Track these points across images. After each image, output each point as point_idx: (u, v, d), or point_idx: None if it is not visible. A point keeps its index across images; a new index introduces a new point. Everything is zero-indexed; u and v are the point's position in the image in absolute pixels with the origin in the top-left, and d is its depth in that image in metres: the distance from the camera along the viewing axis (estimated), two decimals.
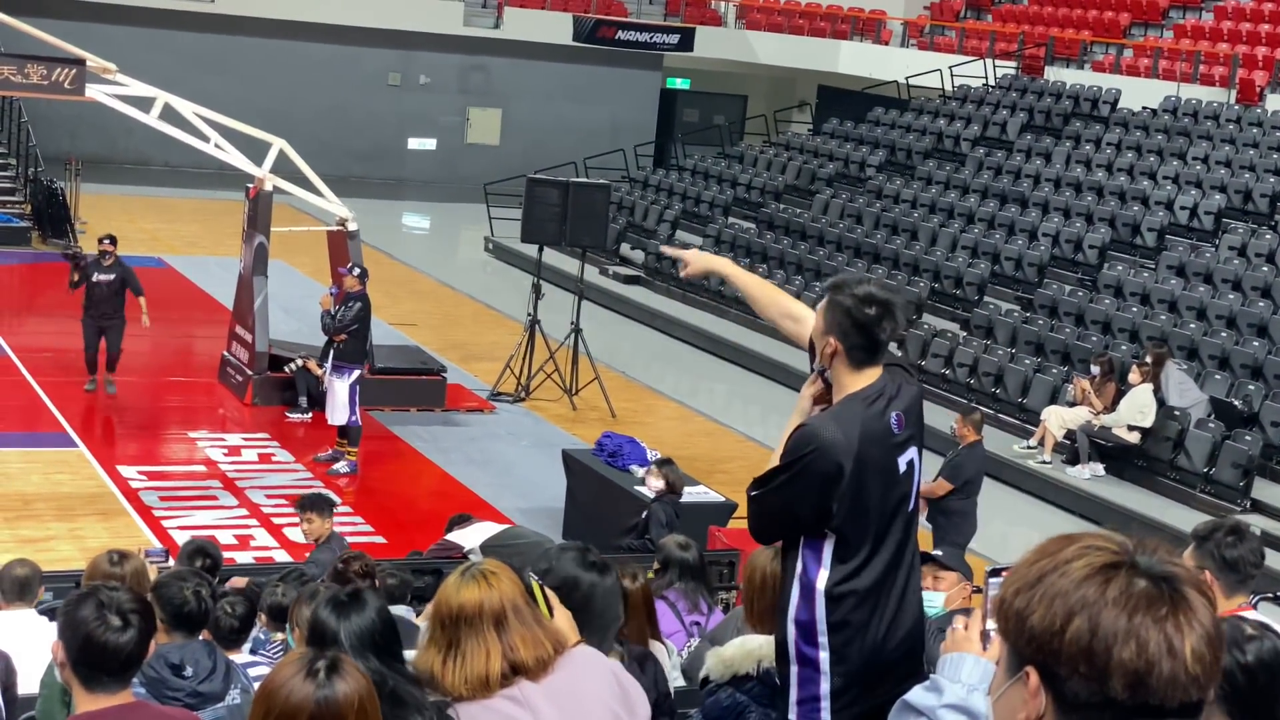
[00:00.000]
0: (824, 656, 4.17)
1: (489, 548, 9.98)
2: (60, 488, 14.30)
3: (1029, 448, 17.19)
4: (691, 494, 12.82)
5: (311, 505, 10.49)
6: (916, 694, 3.23)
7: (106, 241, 17.13)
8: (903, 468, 4.23)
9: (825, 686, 4.17)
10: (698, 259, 5.02)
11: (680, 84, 38.96)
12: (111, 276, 16.94)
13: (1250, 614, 4.44)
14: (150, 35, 31.89)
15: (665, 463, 12.47)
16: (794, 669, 4.22)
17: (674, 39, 36.29)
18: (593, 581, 4.03)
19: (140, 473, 14.81)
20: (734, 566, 10.42)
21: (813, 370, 4.35)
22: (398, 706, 3.52)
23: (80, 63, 17.63)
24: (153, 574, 6.54)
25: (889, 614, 4.21)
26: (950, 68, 30.63)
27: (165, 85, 18.41)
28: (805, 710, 4.21)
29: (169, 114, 17.67)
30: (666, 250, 5.95)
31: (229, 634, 6.45)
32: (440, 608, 3.64)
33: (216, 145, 17.82)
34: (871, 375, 4.23)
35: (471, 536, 10.53)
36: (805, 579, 4.17)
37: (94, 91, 17.64)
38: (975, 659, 3.14)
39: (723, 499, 13.27)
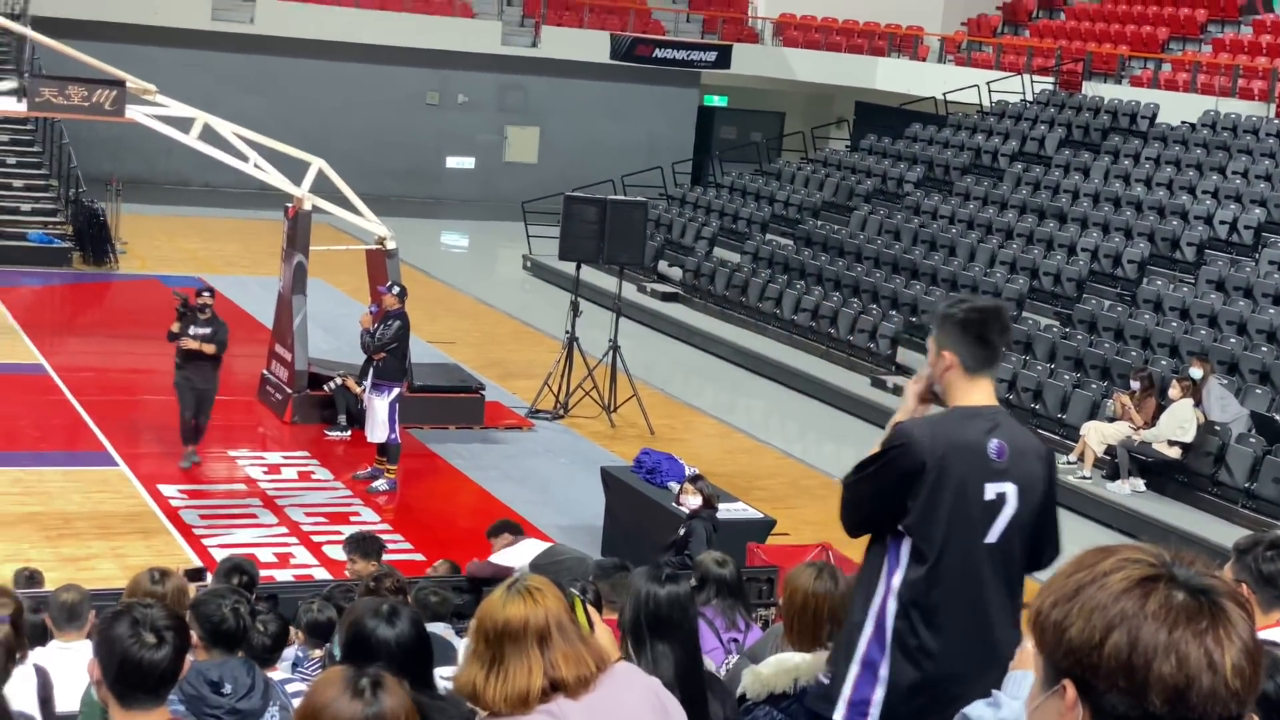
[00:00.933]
0: (885, 663, 4.18)
1: (533, 565, 9.97)
2: (101, 506, 14.39)
3: (1069, 463, 17.10)
4: (730, 510, 12.80)
5: (355, 547, 10.47)
6: (976, 708, 3.24)
7: (206, 294, 15.61)
8: (989, 495, 4.22)
9: (879, 693, 4.18)
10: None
11: (718, 101, 38.99)
12: (208, 331, 15.38)
13: (1274, 632, 4.39)
14: (189, 56, 32.13)
15: (698, 478, 12.46)
16: (854, 668, 4.23)
17: (711, 56, 36.32)
18: (670, 593, 4.10)
19: (181, 491, 14.89)
20: (772, 583, 10.40)
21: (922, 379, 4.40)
22: None
23: (120, 84, 17.78)
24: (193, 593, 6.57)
25: (958, 643, 4.19)
26: (988, 83, 30.57)
27: (205, 106, 18.54)
28: (853, 712, 4.21)
29: (208, 134, 17.80)
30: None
31: (262, 651, 6.47)
32: (484, 623, 3.64)
33: (256, 165, 17.93)
34: (983, 391, 4.30)
35: (515, 556, 10.53)
36: (885, 579, 4.21)
37: (134, 112, 17.79)
38: None
39: (761, 515, 13.25)
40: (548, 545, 11.13)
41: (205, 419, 15.61)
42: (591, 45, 35.66)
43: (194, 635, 5.20)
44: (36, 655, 6.72)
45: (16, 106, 18.52)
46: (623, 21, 36.58)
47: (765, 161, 33.38)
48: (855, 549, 12.97)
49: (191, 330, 15.29)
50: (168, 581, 6.55)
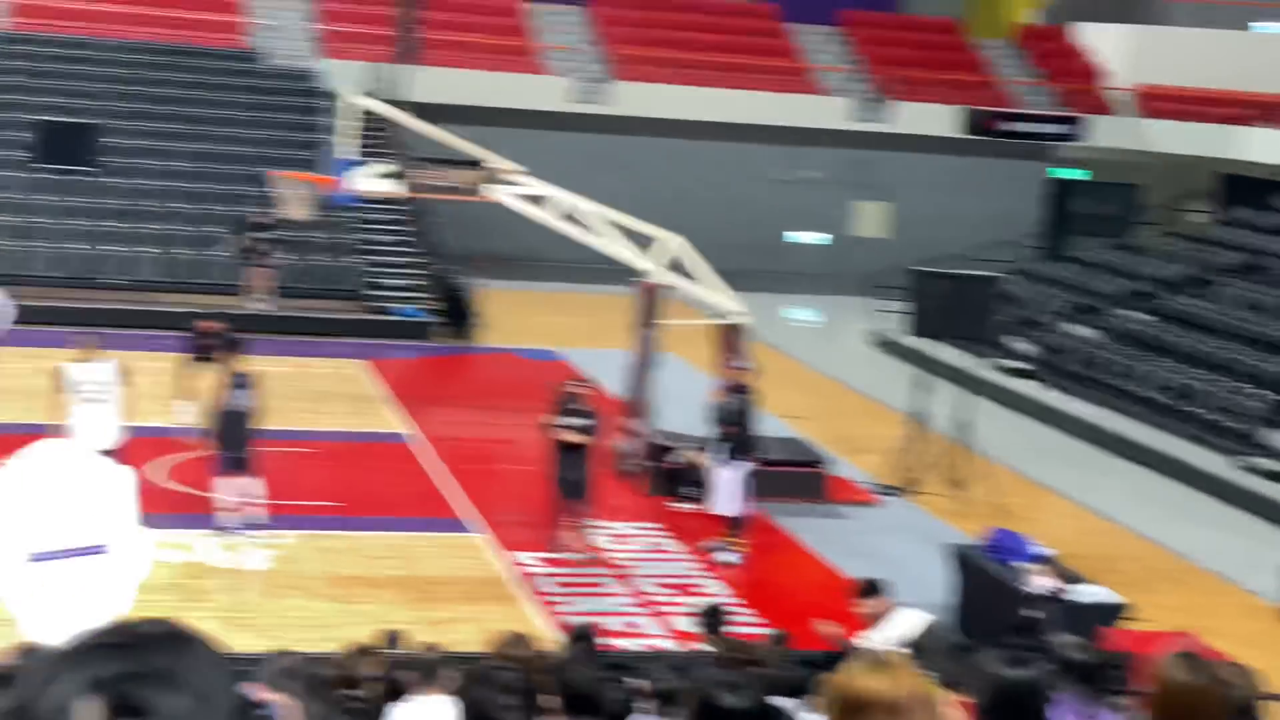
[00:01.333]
0: None
1: (906, 643, 9.83)
2: (462, 572, 14.92)
3: None
4: (1083, 593, 12.43)
5: (701, 620, 10.59)
6: None
7: (581, 386, 15.68)
8: None
9: None
10: None
11: (1072, 173, 38.18)
12: (582, 422, 15.14)
13: None
14: (548, 137, 33.30)
15: (1051, 559, 12.15)
16: None
17: (1064, 129, 35.68)
18: (1021, 677, 4.05)
19: (537, 559, 15.30)
20: (1124, 669, 10.02)
21: None
22: None
23: (483, 164, 18.59)
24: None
25: None
26: None
27: (563, 184, 19.18)
28: None
29: (565, 212, 18.40)
30: None
31: (611, 718, 6.58)
32: (839, 696, 3.63)
33: (610, 241, 18.43)
34: None
35: (892, 630, 10.39)
36: None
37: (494, 192, 18.56)
38: None
39: (1114, 599, 12.80)
40: (926, 619, 10.92)
41: (583, 508, 15.42)
42: (940, 120, 35.47)
43: (548, 699, 5.35)
44: (397, 712, 7.02)
45: (397, 189, 19.67)
46: (974, 96, 36.25)
47: (1121, 235, 32.46)
48: (1220, 639, 12.39)
49: (566, 420, 15.21)
50: (524, 647, 6.76)
